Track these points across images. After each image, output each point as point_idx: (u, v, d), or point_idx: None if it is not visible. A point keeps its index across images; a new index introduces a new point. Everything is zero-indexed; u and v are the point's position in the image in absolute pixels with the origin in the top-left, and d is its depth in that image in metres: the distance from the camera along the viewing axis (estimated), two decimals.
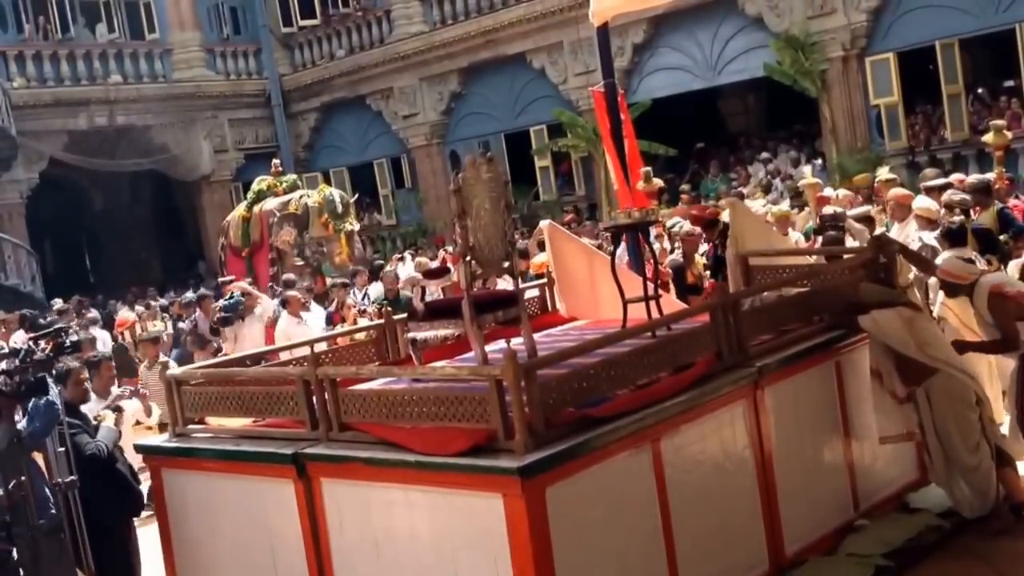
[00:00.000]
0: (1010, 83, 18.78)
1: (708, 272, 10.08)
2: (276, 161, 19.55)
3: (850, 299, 6.86)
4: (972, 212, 9.69)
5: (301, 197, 17.25)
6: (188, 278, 26.38)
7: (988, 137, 11.90)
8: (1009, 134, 13.19)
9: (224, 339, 12.68)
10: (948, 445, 6.59)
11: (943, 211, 9.75)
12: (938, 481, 6.82)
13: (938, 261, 7.47)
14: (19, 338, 12.49)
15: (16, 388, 5.38)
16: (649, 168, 12.24)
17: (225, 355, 10.88)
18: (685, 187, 20.26)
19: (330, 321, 12.98)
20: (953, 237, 8.11)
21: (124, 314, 17.41)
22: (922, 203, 9.95)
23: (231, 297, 13.15)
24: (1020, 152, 17.56)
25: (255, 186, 17.99)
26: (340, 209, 17.28)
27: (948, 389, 6.54)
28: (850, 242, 9.80)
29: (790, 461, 6.26)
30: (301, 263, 16.74)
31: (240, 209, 18.03)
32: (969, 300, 6.98)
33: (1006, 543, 6.40)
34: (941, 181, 11.67)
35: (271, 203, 17.24)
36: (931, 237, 9.19)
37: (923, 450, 6.96)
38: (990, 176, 10.96)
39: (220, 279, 16.46)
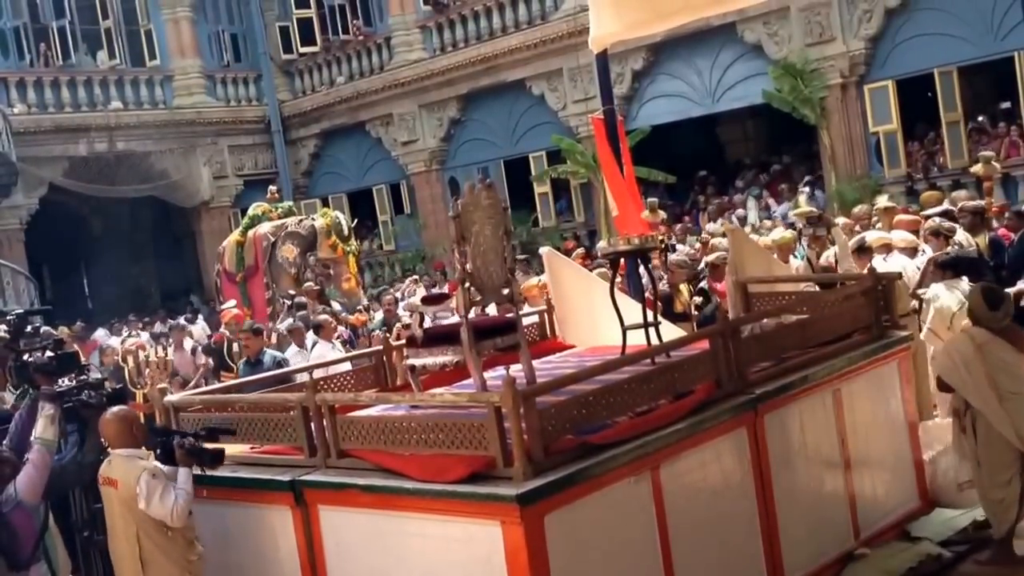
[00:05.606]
0: (1007, 104, 18.82)
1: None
2: (273, 187, 19.54)
3: None
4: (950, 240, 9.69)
5: (300, 221, 17.21)
6: (187, 303, 26.32)
7: (977, 168, 11.91)
8: (998, 165, 13.19)
9: None
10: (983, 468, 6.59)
11: (928, 238, 9.78)
12: (979, 495, 6.79)
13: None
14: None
15: (101, 399, 5.59)
16: (656, 199, 12.26)
17: None
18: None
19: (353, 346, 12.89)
20: (946, 267, 8.13)
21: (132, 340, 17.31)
22: (901, 234, 9.98)
23: None
24: (1020, 180, 17.57)
25: (251, 211, 17.99)
26: (346, 232, 17.25)
27: (989, 423, 6.51)
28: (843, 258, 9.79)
29: (790, 489, 6.24)
30: (314, 286, 16.55)
31: (235, 234, 18.00)
32: None
33: (1006, 573, 6.36)
34: (940, 208, 11.67)
35: (265, 227, 17.19)
36: (914, 266, 9.22)
37: (924, 478, 6.93)
38: (982, 203, 10.98)
39: (218, 307, 16.40)
